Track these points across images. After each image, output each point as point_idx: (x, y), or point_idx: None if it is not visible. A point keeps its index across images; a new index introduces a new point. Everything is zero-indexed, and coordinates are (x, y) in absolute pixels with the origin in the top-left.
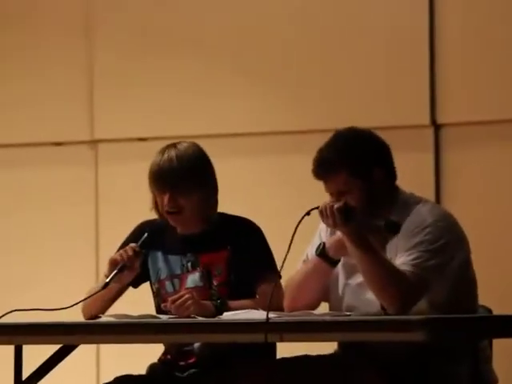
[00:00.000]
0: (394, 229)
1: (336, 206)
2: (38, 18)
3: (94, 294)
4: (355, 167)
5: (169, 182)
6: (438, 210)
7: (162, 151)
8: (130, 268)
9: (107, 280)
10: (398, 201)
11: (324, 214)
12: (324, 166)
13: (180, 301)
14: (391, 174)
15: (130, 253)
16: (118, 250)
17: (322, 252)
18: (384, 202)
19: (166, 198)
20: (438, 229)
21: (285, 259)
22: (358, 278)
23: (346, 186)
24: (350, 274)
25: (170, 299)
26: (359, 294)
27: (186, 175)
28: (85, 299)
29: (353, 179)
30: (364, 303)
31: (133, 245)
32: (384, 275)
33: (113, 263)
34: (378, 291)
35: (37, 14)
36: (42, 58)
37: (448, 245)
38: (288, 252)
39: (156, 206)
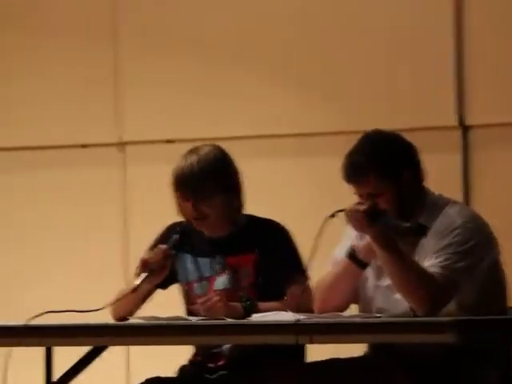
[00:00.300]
0: (421, 231)
1: (362, 208)
2: (66, 19)
3: (125, 295)
4: (384, 170)
5: (191, 189)
6: (467, 212)
7: (184, 157)
8: (161, 269)
9: (137, 283)
10: (426, 202)
11: (349, 216)
12: (353, 171)
13: (210, 302)
14: (419, 175)
15: (161, 255)
16: (148, 252)
17: (352, 254)
18: (413, 204)
19: (189, 206)
20: (468, 230)
21: (310, 260)
22: (388, 280)
23: (376, 189)
24: (379, 275)
25: (199, 301)
26: (389, 296)
27: (206, 181)
28: (115, 301)
29: (382, 182)
30: (394, 305)
31: (163, 246)
32: (412, 278)
33: (144, 264)
34: (406, 294)
35: (66, 15)
36: (69, 59)
37: (477, 246)
38: (314, 253)
39: (181, 210)
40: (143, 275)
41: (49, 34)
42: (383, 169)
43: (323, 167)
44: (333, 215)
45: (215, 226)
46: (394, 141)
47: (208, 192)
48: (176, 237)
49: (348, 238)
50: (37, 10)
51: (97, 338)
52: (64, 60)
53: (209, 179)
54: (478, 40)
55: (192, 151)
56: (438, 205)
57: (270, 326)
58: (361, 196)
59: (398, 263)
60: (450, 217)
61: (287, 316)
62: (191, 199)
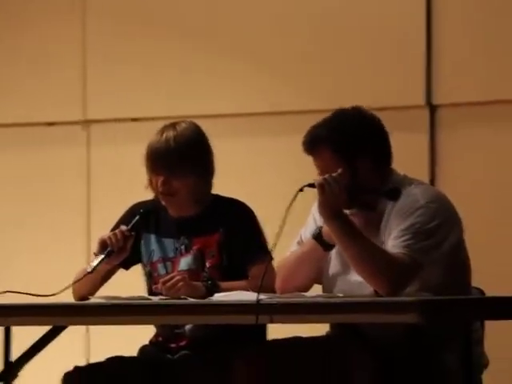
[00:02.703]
0: (394, 195)
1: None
2: None
3: (83, 277)
4: (338, 146)
5: (164, 165)
6: (431, 192)
7: (161, 131)
8: (121, 250)
9: (94, 265)
10: (389, 185)
11: (326, 186)
12: (309, 141)
13: (171, 282)
14: (383, 160)
15: (119, 236)
16: (111, 231)
17: (318, 235)
18: (369, 188)
19: (160, 181)
20: (431, 210)
21: (277, 239)
22: None
23: (328, 164)
24: (344, 257)
25: (160, 280)
26: (353, 277)
27: (181, 158)
28: (74, 283)
29: (334, 158)
30: (357, 286)
31: (123, 227)
32: (372, 259)
33: (102, 245)
34: (367, 276)
35: None
36: (34, 38)
37: (441, 226)
38: (281, 232)
39: (151, 185)
40: (100, 256)
41: (15, 12)
42: (338, 145)
43: (292, 146)
44: (301, 189)
45: (182, 205)
46: (362, 122)
47: (182, 169)
48: (137, 218)
49: (314, 219)
50: None
51: (56, 318)
52: (30, 37)
53: (184, 157)
54: (446, 21)
55: (169, 126)
56: (401, 185)
57: (231, 305)
58: (318, 167)
59: (356, 245)
60: (414, 197)
61: (248, 296)
62: (163, 174)
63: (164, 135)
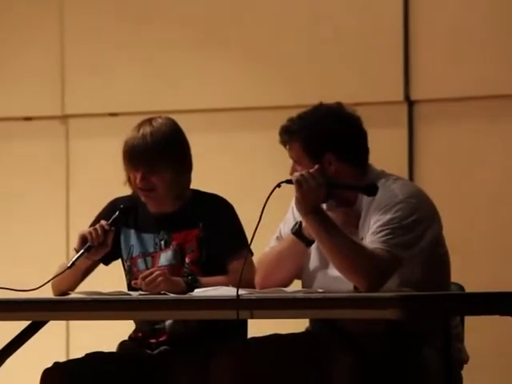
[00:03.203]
0: (372, 191)
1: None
2: None
3: (62, 272)
4: (306, 141)
5: (142, 161)
6: (410, 187)
7: (138, 127)
8: (101, 245)
9: (73, 260)
10: (366, 180)
11: (303, 182)
12: (283, 132)
13: (150, 277)
14: (356, 159)
15: (100, 231)
16: (90, 227)
17: (297, 231)
18: (346, 184)
19: (138, 176)
20: (410, 205)
21: (254, 233)
22: None
23: (296, 157)
24: (323, 252)
25: (140, 276)
26: (333, 273)
27: (159, 153)
28: (53, 278)
29: (301, 152)
30: (337, 281)
31: (103, 222)
32: (351, 255)
33: (82, 239)
34: (346, 272)
35: None
36: (11, 32)
37: (419, 221)
38: (257, 226)
39: (130, 181)
40: (80, 252)
41: None
42: (306, 140)
43: (269, 141)
44: (279, 185)
45: (161, 200)
46: (336, 119)
47: (160, 165)
48: (117, 213)
49: (293, 214)
50: None
51: (36, 313)
52: (6, 32)
53: (162, 152)
54: (424, 16)
55: (145, 122)
56: (379, 181)
57: (211, 301)
58: (291, 158)
59: (334, 241)
60: (392, 192)
61: (228, 291)
62: (141, 170)
63: (141, 131)
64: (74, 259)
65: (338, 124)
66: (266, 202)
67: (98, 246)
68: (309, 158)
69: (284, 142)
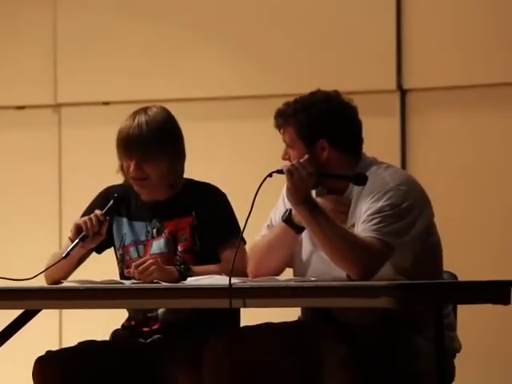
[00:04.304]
0: (361, 180)
1: (310, 170)
2: None
3: (57, 262)
4: (300, 126)
5: (137, 149)
6: (400, 175)
7: (133, 116)
8: (95, 234)
9: (68, 250)
10: (356, 169)
11: (294, 172)
12: (278, 116)
13: (143, 266)
14: (348, 148)
15: (95, 221)
16: (83, 215)
17: (287, 218)
18: (336, 174)
19: (132, 165)
20: (401, 193)
21: (246, 222)
22: None
23: (289, 141)
24: (315, 240)
25: (133, 264)
26: (325, 261)
27: (154, 143)
28: (48, 268)
29: (294, 137)
30: (331, 265)
31: (98, 212)
32: (342, 244)
33: (77, 228)
34: (338, 260)
35: None
36: (4, 20)
37: (411, 209)
38: (249, 215)
39: (122, 170)
40: (75, 242)
41: None
42: (301, 124)
43: (263, 130)
44: (270, 175)
45: (154, 189)
46: (330, 107)
47: (154, 154)
48: (111, 203)
49: (283, 202)
50: None
51: (28, 302)
52: (0, 20)
53: (156, 141)
54: (417, 5)
55: (140, 111)
56: (370, 168)
57: (204, 289)
58: (284, 142)
59: (326, 230)
60: (383, 180)
61: (221, 280)
62: (135, 159)
63: (136, 120)
64: (69, 249)
65: (334, 111)
66: (258, 191)
67: (93, 236)
68: (302, 143)
69: (278, 126)
